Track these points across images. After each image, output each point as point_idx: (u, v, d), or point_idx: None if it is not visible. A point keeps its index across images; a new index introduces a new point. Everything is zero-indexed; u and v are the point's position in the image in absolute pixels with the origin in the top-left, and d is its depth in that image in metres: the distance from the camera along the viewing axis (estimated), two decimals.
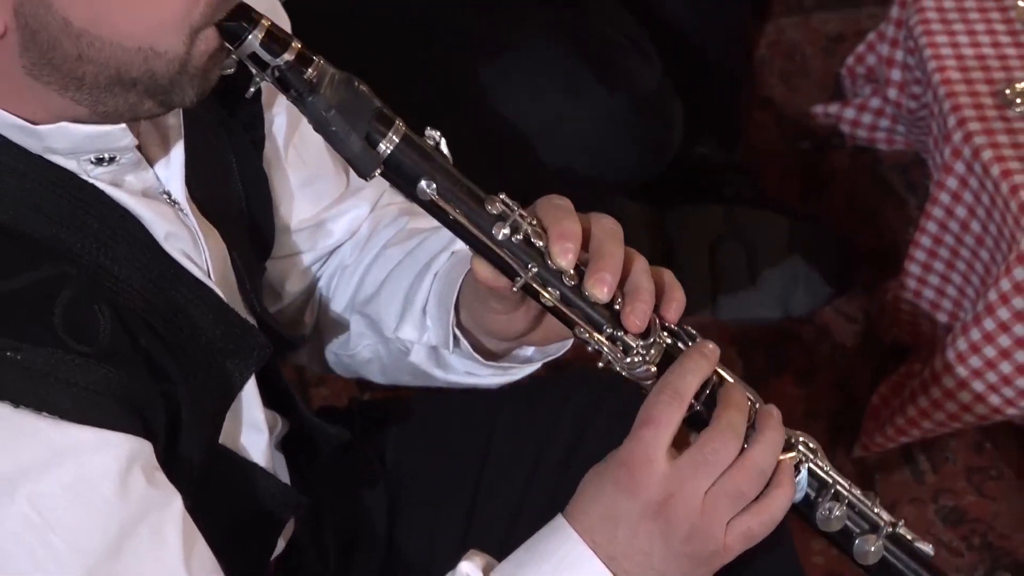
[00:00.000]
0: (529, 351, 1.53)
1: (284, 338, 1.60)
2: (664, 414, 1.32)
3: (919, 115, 2.36)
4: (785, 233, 2.47)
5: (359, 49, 2.32)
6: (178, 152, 1.42)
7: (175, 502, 1.33)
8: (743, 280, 2.47)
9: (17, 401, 1.24)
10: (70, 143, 1.32)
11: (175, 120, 1.42)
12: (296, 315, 1.73)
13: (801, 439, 1.38)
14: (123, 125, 1.32)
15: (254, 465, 1.54)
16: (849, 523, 1.37)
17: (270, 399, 1.60)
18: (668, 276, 1.41)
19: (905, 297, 2.31)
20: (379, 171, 1.32)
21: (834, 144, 2.67)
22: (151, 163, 1.41)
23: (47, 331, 1.27)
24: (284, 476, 1.65)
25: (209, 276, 1.45)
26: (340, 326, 1.69)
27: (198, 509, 1.42)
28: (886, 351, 2.40)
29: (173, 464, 1.38)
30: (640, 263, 1.38)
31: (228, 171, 1.54)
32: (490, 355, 1.54)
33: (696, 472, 1.31)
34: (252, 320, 1.52)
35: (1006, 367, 2.11)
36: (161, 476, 1.33)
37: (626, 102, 2.34)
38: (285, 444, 1.66)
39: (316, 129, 1.32)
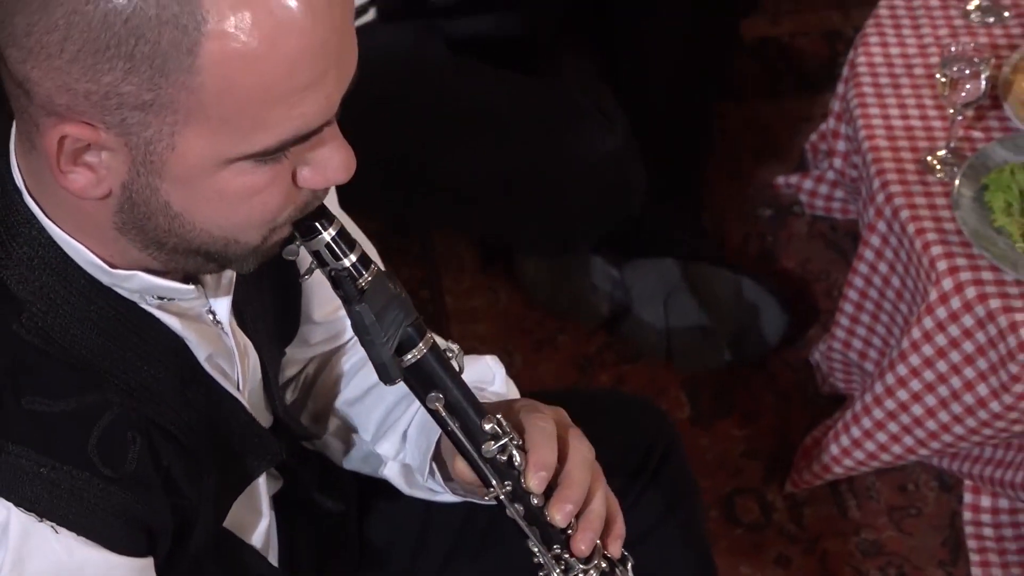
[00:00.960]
0: None
1: (298, 433, 1.70)
2: None
3: (859, 183, 2.50)
4: (734, 288, 2.60)
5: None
6: (229, 282, 1.48)
7: None
8: (694, 330, 2.61)
9: (42, 514, 1.32)
10: (140, 286, 1.39)
11: None
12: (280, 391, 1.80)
13: None
14: (193, 287, 1.41)
15: (252, 548, 1.63)
16: None
17: (281, 470, 1.70)
18: (615, 506, 1.52)
19: (836, 347, 2.43)
20: (400, 379, 1.41)
21: (794, 212, 2.80)
22: (203, 286, 1.47)
23: (80, 453, 1.34)
24: (273, 535, 1.72)
25: (239, 388, 1.53)
26: (317, 411, 1.77)
27: None
28: (823, 400, 2.52)
29: (178, 556, 1.48)
30: (601, 490, 1.49)
31: (267, 276, 1.58)
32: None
33: None
34: (271, 417, 1.62)
35: (917, 410, 2.23)
36: None
37: (586, 165, 2.48)
38: (278, 501, 1.73)
39: (354, 330, 1.40)
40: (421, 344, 1.40)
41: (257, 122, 1.25)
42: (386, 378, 1.41)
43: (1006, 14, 2.43)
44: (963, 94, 2.20)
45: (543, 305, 2.69)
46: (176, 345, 1.44)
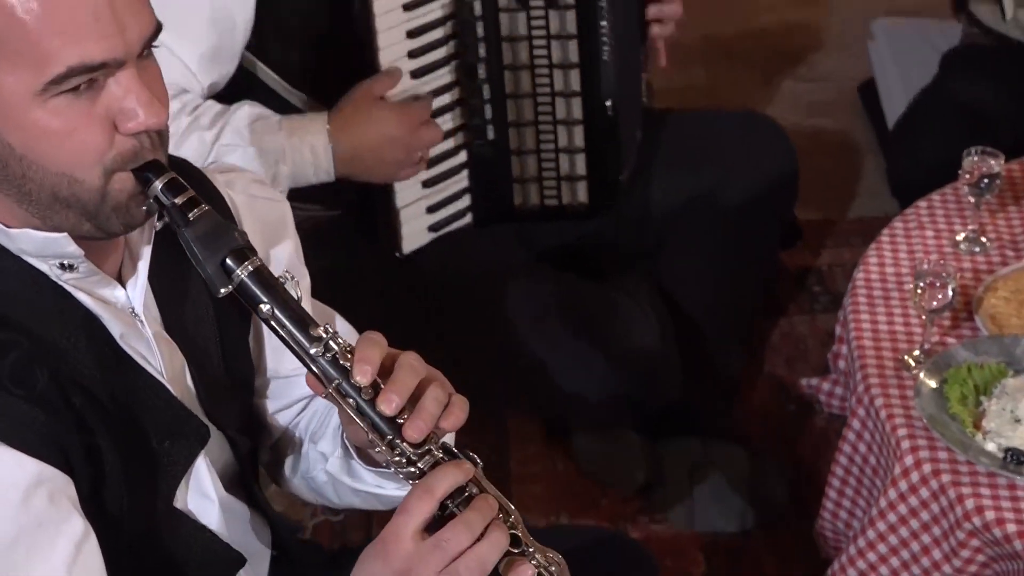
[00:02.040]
0: None
1: (237, 442, 1.73)
2: (415, 505, 1.48)
3: (849, 377, 2.70)
4: (751, 466, 2.80)
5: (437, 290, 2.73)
6: (143, 278, 1.59)
7: (73, 524, 1.46)
8: (714, 500, 2.79)
9: None
10: (33, 246, 1.49)
11: (146, 252, 1.60)
12: (283, 453, 1.88)
13: (552, 568, 1.52)
14: (65, 234, 1.48)
15: (203, 526, 1.68)
16: None
17: (239, 490, 1.75)
18: (460, 402, 1.55)
19: (826, 518, 2.60)
20: (229, 290, 1.49)
21: (815, 410, 2.99)
22: (123, 283, 1.58)
23: None
24: (264, 565, 1.80)
25: (162, 374, 1.59)
26: (321, 453, 1.82)
27: (155, 558, 1.59)
28: (822, 564, 2.66)
29: (99, 508, 1.52)
30: (433, 391, 1.53)
31: (204, 310, 1.68)
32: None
33: (432, 554, 1.47)
34: (209, 423, 1.65)
35: (884, 570, 2.36)
36: (66, 502, 1.46)
37: (627, 357, 2.69)
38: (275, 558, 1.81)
39: (187, 252, 1.49)
40: (248, 264, 1.49)
41: (45, 53, 1.40)
42: (214, 289, 1.50)
43: (987, 244, 2.65)
44: (934, 303, 2.40)
45: (590, 472, 2.90)
46: (89, 320, 1.53)
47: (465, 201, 2.73)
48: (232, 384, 1.73)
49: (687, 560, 2.74)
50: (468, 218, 2.74)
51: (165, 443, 1.60)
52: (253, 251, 1.51)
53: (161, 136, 1.51)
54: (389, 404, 1.51)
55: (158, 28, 1.49)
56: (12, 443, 1.43)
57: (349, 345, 1.53)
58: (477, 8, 2.59)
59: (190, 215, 1.48)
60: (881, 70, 3.66)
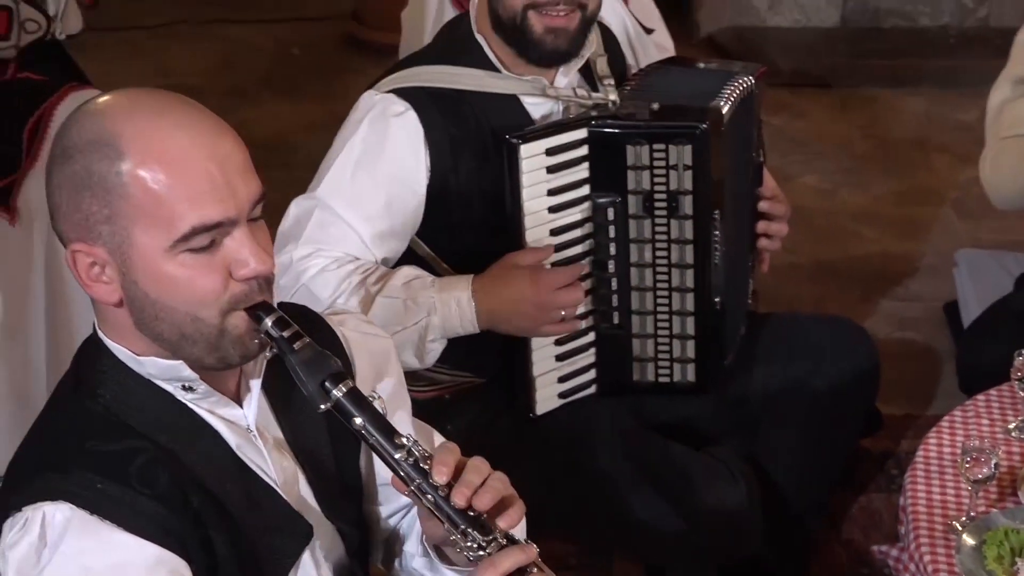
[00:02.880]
0: None
1: (347, 536, 1.84)
2: (481, 573, 1.62)
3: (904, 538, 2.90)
4: None
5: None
6: (255, 400, 1.72)
7: None
8: None
9: (92, 511, 1.57)
10: (158, 370, 1.64)
11: (256, 383, 1.73)
12: (394, 551, 1.99)
13: None
14: (181, 361, 1.63)
15: None
16: None
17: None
18: (518, 505, 1.69)
19: None
20: (328, 406, 1.63)
21: (885, 574, 3.19)
22: (241, 402, 1.72)
23: (124, 475, 1.59)
24: None
25: (275, 480, 1.72)
26: (408, 552, 1.96)
27: None
28: None
29: None
30: (494, 481, 1.67)
31: (319, 424, 1.78)
32: None
33: None
34: (330, 524, 1.78)
35: None
36: None
37: (714, 512, 2.80)
38: None
39: (292, 375, 1.62)
40: (341, 386, 1.63)
41: (173, 216, 1.56)
42: (315, 405, 1.63)
43: None
44: (979, 474, 2.63)
45: None
46: (209, 433, 1.69)
47: (591, 374, 2.92)
48: (345, 485, 1.86)
49: None
50: (593, 388, 2.91)
51: (276, 540, 1.73)
52: (347, 375, 1.66)
53: (268, 281, 1.66)
54: (463, 496, 1.64)
55: (264, 193, 1.66)
56: (136, 532, 1.59)
57: (427, 452, 1.67)
58: (610, 214, 2.83)
59: (295, 345, 1.63)
60: (963, 292, 3.92)
